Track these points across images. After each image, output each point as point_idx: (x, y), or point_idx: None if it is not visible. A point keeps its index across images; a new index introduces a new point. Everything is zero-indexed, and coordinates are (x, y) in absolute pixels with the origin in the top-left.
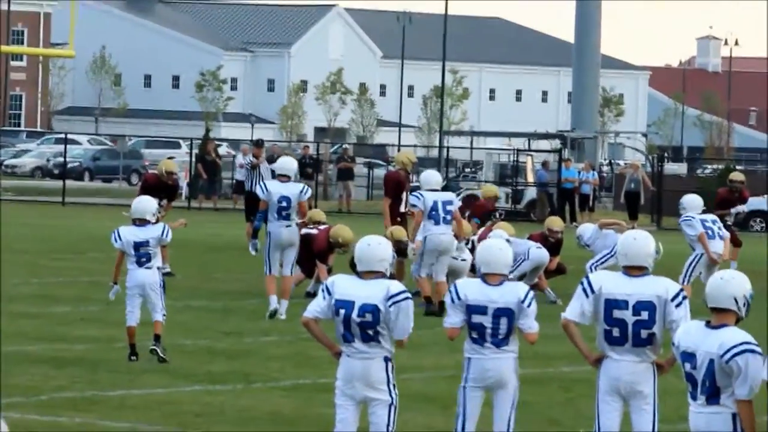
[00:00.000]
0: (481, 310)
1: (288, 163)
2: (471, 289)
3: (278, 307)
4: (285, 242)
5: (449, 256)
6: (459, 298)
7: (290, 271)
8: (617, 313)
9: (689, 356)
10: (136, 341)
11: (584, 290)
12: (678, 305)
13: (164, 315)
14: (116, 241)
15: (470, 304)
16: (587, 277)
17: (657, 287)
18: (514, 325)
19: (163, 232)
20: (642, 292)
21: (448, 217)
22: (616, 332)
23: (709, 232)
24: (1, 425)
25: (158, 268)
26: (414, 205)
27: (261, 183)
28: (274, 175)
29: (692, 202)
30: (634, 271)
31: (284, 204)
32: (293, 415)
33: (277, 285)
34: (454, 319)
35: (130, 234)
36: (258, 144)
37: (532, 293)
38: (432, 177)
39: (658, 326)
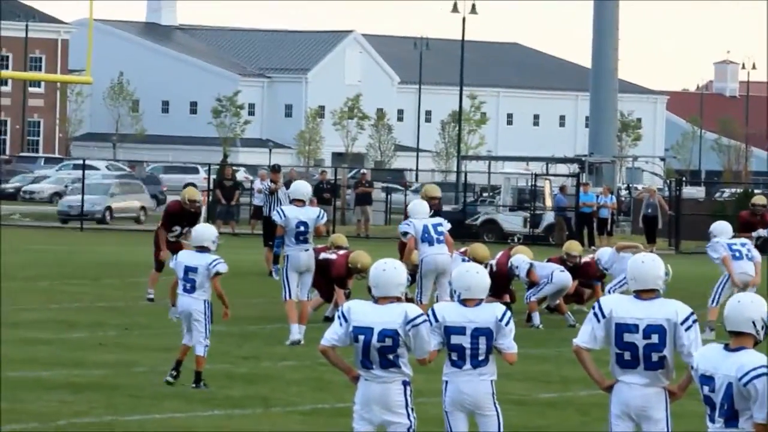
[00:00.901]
0: (460, 330)
1: (302, 187)
2: (449, 310)
3: (300, 337)
4: (303, 266)
5: (449, 276)
6: (437, 320)
7: (307, 295)
8: (628, 337)
9: (708, 379)
10: (183, 359)
11: (595, 315)
12: (688, 329)
13: (206, 347)
14: (171, 261)
15: (448, 326)
16: (598, 302)
17: (667, 311)
18: (492, 345)
19: (212, 262)
20: (652, 316)
21: (441, 238)
22: (627, 356)
23: (737, 254)
24: None
25: (204, 301)
26: (405, 233)
27: (278, 208)
28: (291, 200)
29: (721, 228)
30: (645, 294)
31: (302, 229)
32: None
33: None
34: (432, 341)
35: (185, 258)
36: (275, 169)
37: (509, 313)
38: (419, 207)
39: (669, 349)
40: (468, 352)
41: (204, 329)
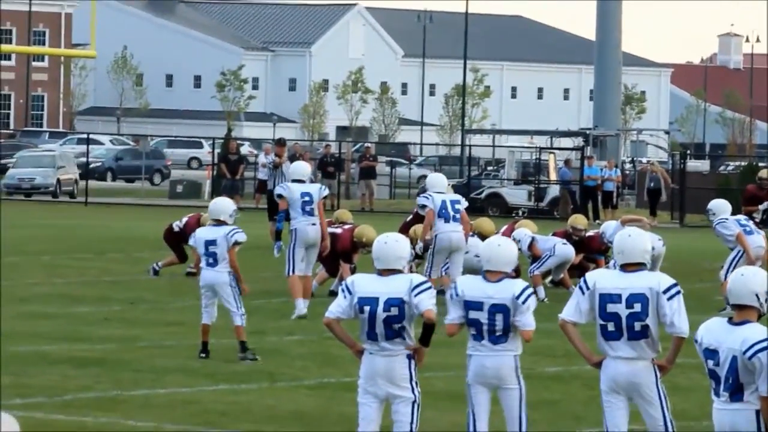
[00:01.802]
0: (478, 306)
1: (302, 168)
2: (469, 285)
3: (306, 311)
4: (311, 240)
5: (462, 254)
6: (457, 294)
7: (311, 270)
8: (611, 307)
9: (712, 353)
10: (208, 339)
11: (580, 288)
12: (670, 298)
13: (243, 315)
14: (191, 238)
15: (467, 300)
16: (584, 276)
17: (650, 280)
18: (511, 321)
19: (229, 232)
20: (635, 285)
21: (458, 216)
22: (611, 326)
23: (746, 228)
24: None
25: (228, 272)
26: (424, 206)
27: (281, 183)
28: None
29: (721, 206)
30: (630, 267)
31: (307, 199)
32: (317, 413)
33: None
34: (453, 315)
35: (203, 233)
36: (280, 143)
37: (529, 290)
38: (438, 180)
39: (652, 319)
40: (485, 327)
41: (234, 300)
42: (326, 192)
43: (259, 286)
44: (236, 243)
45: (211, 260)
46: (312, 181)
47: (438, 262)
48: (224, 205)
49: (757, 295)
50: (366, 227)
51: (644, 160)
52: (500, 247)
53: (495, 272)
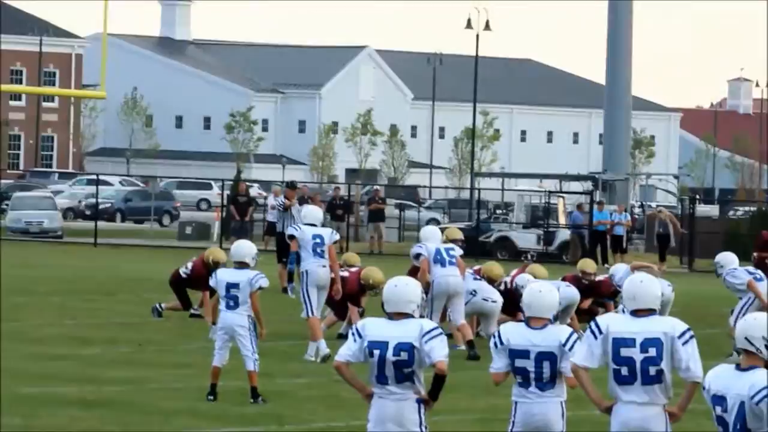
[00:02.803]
0: (524, 354)
1: (314, 212)
2: (513, 333)
3: (328, 351)
4: (323, 281)
5: (462, 298)
6: (502, 343)
7: (320, 312)
8: (625, 351)
9: (720, 399)
10: (218, 382)
11: (592, 332)
12: (685, 343)
13: (256, 360)
14: (212, 279)
15: (513, 349)
16: (594, 320)
17: (664, 325)
18: (558, 368)
19: (254, 277)
20: (649, 330)
21: (453, 260)
22: (624, 371)
23: (756, 276)
24: None
25: (248, 316)
26: (418, 255)
27: (294, 225)
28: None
29: (728, 258)
30: (641, 313)
31: (318, 241)
32: None
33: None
34: (498, 363)
35: (225, 275)
36: (291, 186)
37: (574, 336)
38: (432, 232)
39: (666, 363)
40: (532, 375)
41: (250, 344)
42: (337, 237)
43: (268, 328)
44: (260, 288)
45: (231, 303)
46: (323, 225)
47: (437, 308)
48: (247, 247)
49: (765, 339)
50: (372, 269)
51: (653, 204)
52: (541, 293)
53: (538, 318)
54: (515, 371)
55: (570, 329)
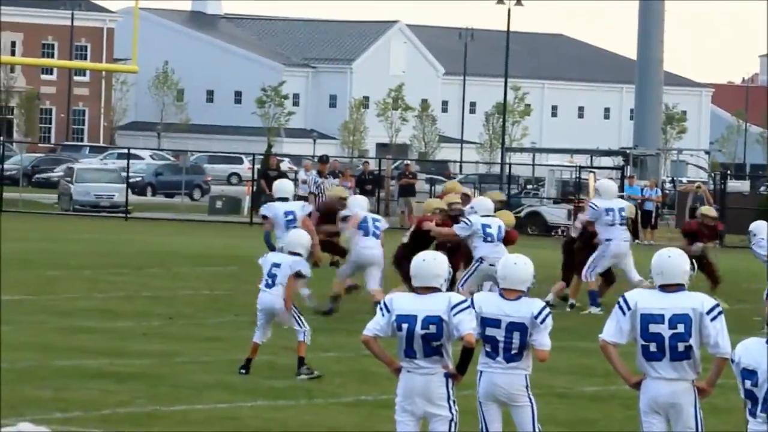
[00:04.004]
0: (495, 323)
1: (284, 185)
2: (487, 302)
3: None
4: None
5: (378, 269)
6: (475, 310)
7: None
8: (653, 328)
9: (750, 373)
10: (254, 357)
11: (620, 308)
12: (713, 319)
13: (306, 332)
14: (262, 258)
15: (484, 317)
16: (623, 296)
17: (693, 301)
18: (528, 341)
19: (295, 261)
20: (677, 306)
21: (378, 232)
22: (653, 347)
23: None
24: None
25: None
26: (346, 217)
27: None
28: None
29: (761, 227)
30: (670, 288)
31: (291, 218)
32: (355, 430)
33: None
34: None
35: (273, 257)
36: (323, 160)
37: (547, 310)
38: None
39: (695, 339)
40: (501, 345)
41: (296, 321)
42: (310, 209)
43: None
44: (299, 274)
45: (269, 281)
46: (296, 199)
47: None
48: (303, 238)
49: None
50: (338, 188)
51: (684, 179)
52: (516, 266)
53: (512, 290)
54: (485, 339)
55: (541, 302)
